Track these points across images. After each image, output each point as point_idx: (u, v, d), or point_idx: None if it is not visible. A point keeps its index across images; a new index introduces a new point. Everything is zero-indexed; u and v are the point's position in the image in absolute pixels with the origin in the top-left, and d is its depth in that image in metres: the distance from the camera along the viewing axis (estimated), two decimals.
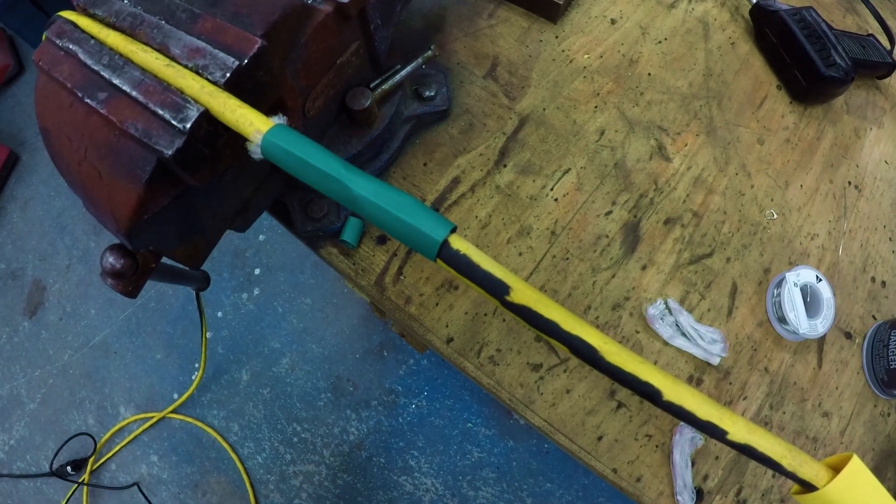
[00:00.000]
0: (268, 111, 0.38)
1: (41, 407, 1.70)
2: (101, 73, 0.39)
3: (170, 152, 0.37)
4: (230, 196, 0.50)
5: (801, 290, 0.65)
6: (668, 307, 0.65)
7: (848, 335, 0.69)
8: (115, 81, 0.39)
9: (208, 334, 1.73)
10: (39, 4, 1.83)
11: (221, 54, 0.38)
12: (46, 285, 1.83)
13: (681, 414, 0.31)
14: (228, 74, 0.38)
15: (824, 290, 0.66)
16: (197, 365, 1.71)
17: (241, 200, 0.52)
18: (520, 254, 0.66)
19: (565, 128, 0.72)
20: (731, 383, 0.64)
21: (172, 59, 0.39)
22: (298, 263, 1.80)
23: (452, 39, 0.76)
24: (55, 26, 0.42)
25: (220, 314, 1.75)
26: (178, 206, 0.43)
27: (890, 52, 0.81)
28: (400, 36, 0.71)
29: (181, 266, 0.52)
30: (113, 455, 1.63)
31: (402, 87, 0.64)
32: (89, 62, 0.40)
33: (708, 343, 0.64)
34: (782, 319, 0.65)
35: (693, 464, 0.61)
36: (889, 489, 0.63)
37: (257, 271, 1.80)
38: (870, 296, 0.72)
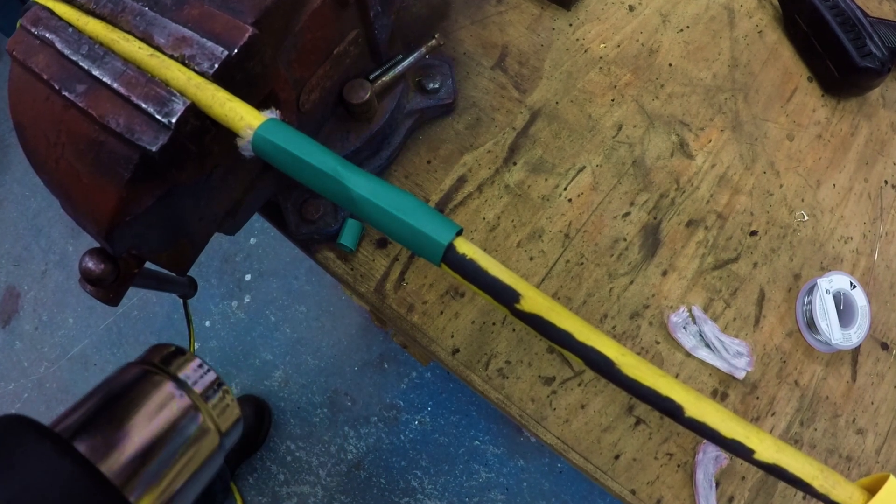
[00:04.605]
0: (259, 105, 0.38)
1: None
2: (80, 63, 0.39)
3: (154, 149, 0.37)
4: (219, 196, 0.50)
5: (834, 297, 0.65)
6: (692, 315, 0.65)
7: (884, 346, 0.69)
8: (95, 73, 0.39)
9: (196, 345, 1.73)
10: None
11: (209, 43, 0.38)
12: (21, 292, 1.83)
13: (704, 431, 0.30)
14: (217, 65, 0.38)
15: (859, 297, 0.66)
16: None
17: (230, 201, 0.53)
18: (531, 258, 0.66)
19: (580, 123, 0.72)
20: (758, 398, 0.64)
21: (157, 48, 0.39)
22: (292, 269, 1.80)
23: (458, 27, 0.76)
24: (30, 13, 0.42)
25: (207, 323, 1.75)
26: (163, 207, 0.43)
27: None
28: (401, 24, 0.71)
29: (166, 271, 0.52)
30: None
31: (403, 78, 0.64)
32: (67, 52, 0.40)
33: (732, 356, 0.63)
34: (813, 329, 0.65)
35: (717, 485, 0.60)
36: None
37: (248, 277, 1.80)
38: None
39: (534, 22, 0.77)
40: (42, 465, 0.34)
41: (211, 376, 0.48)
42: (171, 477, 0.42)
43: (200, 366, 0.48)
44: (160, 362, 0.48)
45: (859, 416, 0.65)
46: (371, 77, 0.61)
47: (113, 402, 0.43)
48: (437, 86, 0.68)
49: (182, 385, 0.46)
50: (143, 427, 0.41)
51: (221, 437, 0.47)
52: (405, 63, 0.63)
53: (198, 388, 0.46)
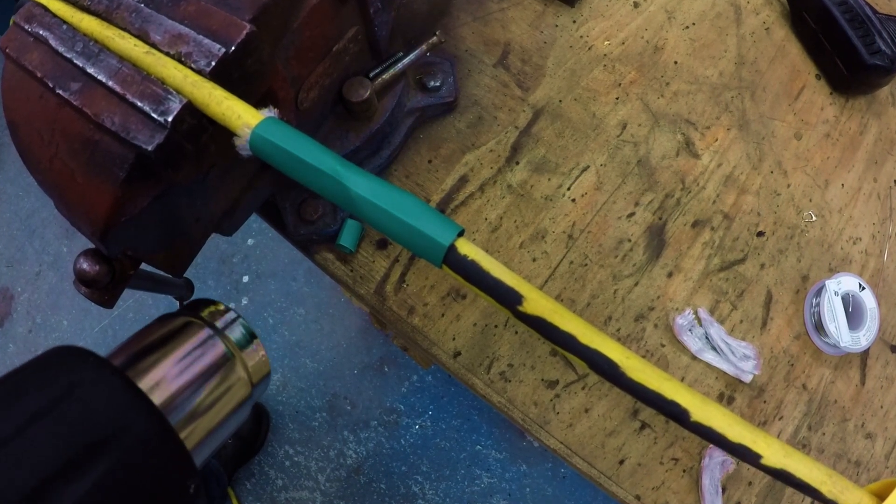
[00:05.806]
0: (257, 103, 0.38)
1: None
2: (75, 61, 0.39)
3: (149, 148, 0.37)
4: (216, 196, 0.50)
5: (843, 299, 0.65)
6: (698, 317, 0.65)
7: (894, 349, 0.69)
8: (90, 70, 0.39)
9: None
10: None
11: (206, 41, 0.38)
12: (14, 294, 1.83)
13: (710, 436, 0.30)
14: (214, 63, 0.38)
15: (868, 299, 0.66)
16: None
17: (227, 201, 0.53)
18: (534, 259, 0.66)
19: (584, 121, 0.72)
20: (765, 402, 0.64)
21: (152, 45, 0.39)
22: (291, 270, 1.80)
23: (460, 24, 0.76)
24: (24, 10, 0.42)
25: None
26: (159, 207, 0.43)
27: None
28: (402, 21, 0.71)
29: (162, 273, 0.52)
30: None
31: (404, 76, 0.64)
32: (61, 49, 0.40)
33: (739, 359, 0.63)
34: (822, 331, 0.65)
35: (724, 490, 0.60)
36: None
37: (245, 279, 1.80)
38: None
39: (537, 19, 0.77)
40: (98, 386, 0.39)
41: (245, 329, 0.53)
42: (205, 416, 0.47)
43: (235, 318, 0.53)
44: (199, 312, 0.52)
45: (868, 421, 0.65)
46: (371, 75, 0.61)
47: (158, 344, 0.48)
48: (438, 84, 0.68)
49: (219, 333, 0.50)
50: (183, 367, 0.47)
51: (252, 387, 0.51)
52: (406, 61, 0.63)
53: (233, 338, 0.51)
